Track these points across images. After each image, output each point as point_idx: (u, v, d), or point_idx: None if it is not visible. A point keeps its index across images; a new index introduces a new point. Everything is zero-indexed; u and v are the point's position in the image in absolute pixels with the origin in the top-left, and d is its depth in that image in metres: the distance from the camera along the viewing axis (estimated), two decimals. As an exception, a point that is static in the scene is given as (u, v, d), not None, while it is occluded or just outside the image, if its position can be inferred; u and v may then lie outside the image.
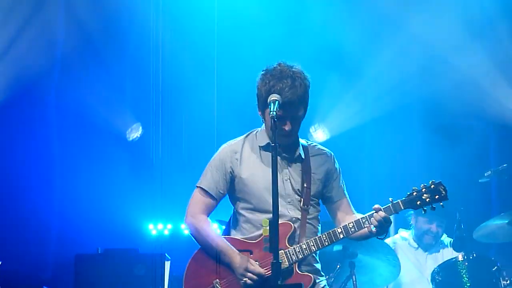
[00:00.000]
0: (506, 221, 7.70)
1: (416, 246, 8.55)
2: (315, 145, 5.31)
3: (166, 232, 10.13)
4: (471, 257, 7.71)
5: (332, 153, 5.30)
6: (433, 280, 7.81)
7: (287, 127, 4.95)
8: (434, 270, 7.84)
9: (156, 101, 9.91)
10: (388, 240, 8.29)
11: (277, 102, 4.78)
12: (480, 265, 7.75)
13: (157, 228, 10.11)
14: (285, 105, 4.88)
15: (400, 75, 9.67)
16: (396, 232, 8.69)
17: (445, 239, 8.54)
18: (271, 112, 4.70)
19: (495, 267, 7.68)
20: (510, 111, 9.35)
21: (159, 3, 9.75)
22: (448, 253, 8.38)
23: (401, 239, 8.59)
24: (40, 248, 9.56)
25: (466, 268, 7.69)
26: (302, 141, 5.24)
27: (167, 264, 8.18)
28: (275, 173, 4.55)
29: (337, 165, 5.28)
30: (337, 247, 7.37)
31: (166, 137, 10.04)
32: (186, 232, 6.66)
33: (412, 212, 8.39)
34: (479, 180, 8.25)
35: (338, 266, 7.44)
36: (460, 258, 7.73)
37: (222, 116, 9.83)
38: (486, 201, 9.46)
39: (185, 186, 9.79)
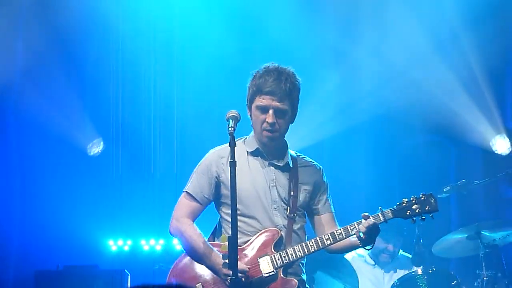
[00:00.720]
0: (465, 236, 7.68)
1: (373, 263, 8.48)
2: (305, 157, 5.32)
3: (126, 248, 10.03)
4: (430, 271, 7.66)
5: (322, 167, 5.33)
6: (393, 293, 7.76)
7: (270, 119, 4.97)
8: (393, 283, 7.81)
9: (116, 116, 9.98)
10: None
11: (234, 118, 4.80)
12: (439, 279, 7.72)
13: (117, 244, 10.00)
14: (267, 94, 4.97)
15: (357, 91, 9.67)
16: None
17: (402, 254, 8.48)
18: (229, 129, 4.75)
19: (455, 281, 7.68)
20: (469, 126, 9.37)
21: (119, 16, 9.82)
22: (405, 271, 8.32)
23: (357, 256, 8.48)
24: (0, 263, 9.42)
25: (425, 282, 7.64)
26: (291, 151, 5.25)
27: (128, 280, 8.12)
28: (233, 188, 4.61)
29: (325, 179, 5.31)
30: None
31: (126, 152, 10.06)
32: (179, 247, 6.67)
33: None
34: (438, 196, 7.99)
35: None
36: (420, 272, 7.70)
37: (183, 130, 9.83)
38: (445, 216, 9.39)
39: (145, 201, 9.91)
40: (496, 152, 9.36)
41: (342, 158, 9.76)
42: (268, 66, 5.05)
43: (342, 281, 7.66)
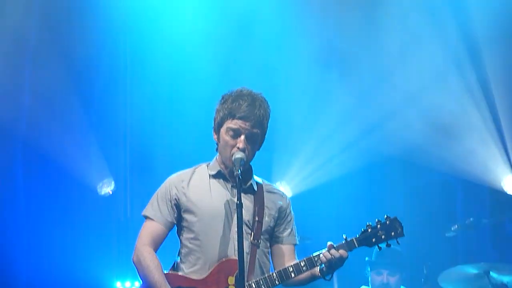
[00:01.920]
0: (474, 272, 7.61)
1: None
2: (271, 184, 5.20)
3: None
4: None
5: (288, 197, 5.20)
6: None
7: (241, 144, 4.84)
8: None
9: (124, 157, 9.93)
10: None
11: (242, 160, 4.75)
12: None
13: (124, 286, 9.85)
14: (240, 119, 4.84)
15: (364, 125, 9.62)
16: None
17: None
18: (235, 171, 4.69)
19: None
20: (476, 164, 9.24)
21: (127, 53, 9.88)
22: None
23: None
24: (7, 304, 9.23)
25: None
26: (257, 178, 5.12)
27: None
28: (240, 227, 4.53)
29: (291, 209, 5.16)
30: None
31: (135, 192, 9.93)
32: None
33: (369, 269, 8.21)
34: (446, 234, 8.23)
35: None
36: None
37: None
38: (453, 255, 9.32)
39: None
40: (507, 192, 9.18)
41: (347, 198, 9.72)
42: (241, 90, 4.94)
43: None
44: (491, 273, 7.49)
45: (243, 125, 4.84)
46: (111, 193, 9.91)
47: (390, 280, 8.06)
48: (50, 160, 9.39)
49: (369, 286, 8.29)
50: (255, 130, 4.87)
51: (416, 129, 9.34)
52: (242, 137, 4.84)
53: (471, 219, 7.99)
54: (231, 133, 4.86)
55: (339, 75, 9.64)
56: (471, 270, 7.58)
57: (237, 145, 4.84)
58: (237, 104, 4.86)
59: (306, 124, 9.72)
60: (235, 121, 4.85)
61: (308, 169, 9.77)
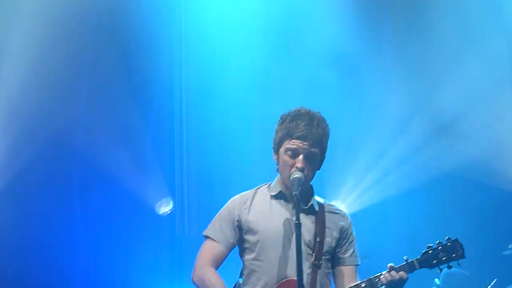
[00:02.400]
0: None
1: None
2: (333, 205, 5.17)
3: None
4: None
5: (350, 217, 5.15)
6: None
7: (299, 164, 4.81)
8: None
9: (181, 176, 9.88)
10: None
11: (300, 180, 4.75)
12: None
13: None
14: (298, 138, 4.83)
15: (419, 138, 9.49)
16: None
17: None
18: (293, 191, 4.70)
19: None
20: None
21: (184, 62, 9.86)
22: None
23: None
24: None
25: None
26: (318, 198, 5.09)
27: None
28: (299, 249, 4.52)
29: (353, 229, 5.12)
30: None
31: (193, 212, 9.91)
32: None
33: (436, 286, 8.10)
34: (504, 252, 8.33)
35: None
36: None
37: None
38: (510, 274, 9.07)
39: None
40: None
41: (404, 216, 9.64)
42: (299, 110, 4.93)
43: None
44: None
45: (301, 145, 4.82)
46: (169, 212, 9.88)
47: None
48: (107, 176, 9.31)
49: None
50: (313, 150, 4.85)
51: (474, 142, 9.24)
52: (301, 156, 4.82)
53: None
54: (289, 153, 4.84)
55: (395, 86, 9.60)
56: None
57: (296, 164, 4.82)
58: (294, 124, 4.84)
59: (359, 139, 9.71)
60: (293, 141, 4.83)
61: (362, 187, 9.71)
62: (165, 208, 9.85)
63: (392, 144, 9.57)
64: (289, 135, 4.85)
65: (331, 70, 9.65)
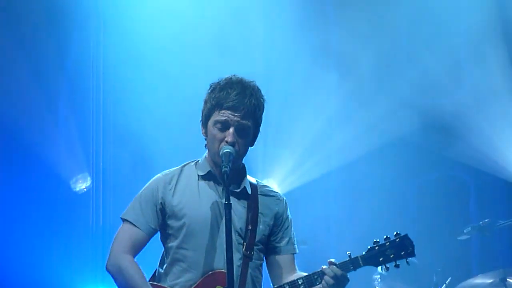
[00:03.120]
0: (489, 282, 7.45)
1: None
2: (266, 185, 4.83)
3: None
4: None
5: (285, 199, 4.82)
6: None
7: (230, 138, 4.47)
8: None
9: (97, 147, 9.56)
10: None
11: (231, 155, 4.43)
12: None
13: None
14: (229, 109, 4.50)
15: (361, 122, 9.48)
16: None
17: None
18: (223, 167, 4.37)
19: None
20: (490, 161, 9.06)
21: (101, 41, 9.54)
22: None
23: None
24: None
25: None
26: (250, 178, 4.75)
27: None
28: (229, 231, 4.25)
29: (289, 213, 4.80)
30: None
31: (109, 194, 9.54)
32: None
33: (379, 279, 8.06)
34: (458, 238, 7.95)
35: None
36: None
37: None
38: (466, 261, 9.21)
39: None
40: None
41: (343, 196, 9.56)
42: (231, 78, 4.59)
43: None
44: (508, 280, 7.31)
45: (232, 116, 4.51)
46: (85, 190, 9.49)
47: None
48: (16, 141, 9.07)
49: None
50: (245, 122, 4.52)
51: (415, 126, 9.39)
52: (231, 129, 4.51)
53: (487, 220, 7.65)
54: (219, 125, 4.52)
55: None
56: (485, 280, 7.47)
57: (226, 138, 4.51)
58: (225, 93, 4.53)
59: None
60: (223, 111, 4.52)
61: (300, 160, 9.64)
62: (81, 184, 9.45)
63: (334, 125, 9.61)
64: (218, 106, 4.53)
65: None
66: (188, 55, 9.39)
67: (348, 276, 4.49)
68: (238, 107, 4.49)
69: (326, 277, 4.45)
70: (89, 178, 9.46)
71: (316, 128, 9.56)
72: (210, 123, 4.55)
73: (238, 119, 4.50)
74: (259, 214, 4.65)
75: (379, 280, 7.82)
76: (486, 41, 9.09)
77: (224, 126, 4.51)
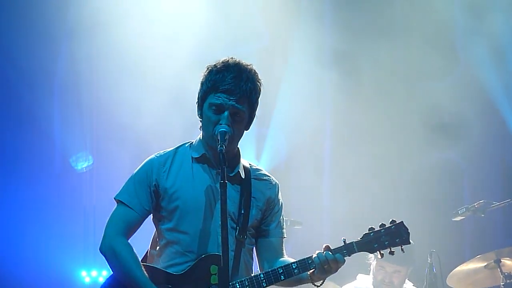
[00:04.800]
0: (483, 265, 7.33)
1: None
2: (259, 169, 4.82)
3: (101, 279, 9.38)
4: (445, 305, 7.44)
5: (278, 183, 4.82)
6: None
7: (224, 121, 4.47)
8: None
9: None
10: (345, 288, 7.93)
11: (226, 133, 4.42)
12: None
13: (90, 275, 9.62)
14: (224, 92, 4.46)
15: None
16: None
17: (409, 285, 7.97)
18: (218, 146, 4.35)
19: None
20: (482, 143, 9.18)
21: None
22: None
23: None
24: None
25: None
26: (244, 161, 4.74)
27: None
28: (224, 212, 4.23)
29: (280, 198, 4.81)
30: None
31: (99, 179, 9.57)
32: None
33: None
34: (452, 219, 7.89)
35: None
36: (434, 305, 7.42)
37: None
38: (460, 242, 9.23)
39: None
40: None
41: (344, 174, 9.50)
42: (228, 60, 4.55)
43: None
44: (502, 261, 7.23)
45: (227, 100, 4.48)
46: (85, 170, 9.57)
47: (393, 277, 7.71)
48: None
49: (368, 275, 7.96)
50: (240, 106, 4.49)
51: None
52: (226, 113, 4.48)
53: (482, 201, 7.62)
54: (214, 108, 4.50)
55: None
56: (480, 263, 7.36)
57: (220, 121, 4.49)
58: (221, 76, 4.49)
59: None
60: (219, 94, 4.48)
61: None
62: (83, 163, 9.51)
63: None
64: (214, 88, 4.49)
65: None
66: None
67: (344, 260, 4.49)
68: (233, 91, 4.46)
69: (320, 262, 4.46)
70: (90, 157, 9.52)
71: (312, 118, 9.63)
72: (206, 105, 4.52)
73: (233, 103, 4.47)
74: (251, 199, 4.65)
75: (373, 259, 7.74)
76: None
77: (219, 109, 4.48)
